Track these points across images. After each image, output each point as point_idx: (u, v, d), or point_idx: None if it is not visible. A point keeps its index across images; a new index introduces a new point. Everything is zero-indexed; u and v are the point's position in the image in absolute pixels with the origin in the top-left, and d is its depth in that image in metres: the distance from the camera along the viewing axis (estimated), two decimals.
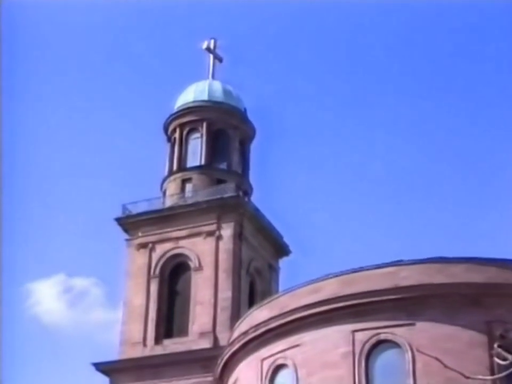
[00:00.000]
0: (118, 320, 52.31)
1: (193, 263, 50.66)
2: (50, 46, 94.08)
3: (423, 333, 34.23)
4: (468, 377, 17.17)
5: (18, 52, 66.84)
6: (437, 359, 18.27)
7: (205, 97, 57.00)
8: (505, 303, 33.90)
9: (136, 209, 53.66)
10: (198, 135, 55.99)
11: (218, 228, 50.75)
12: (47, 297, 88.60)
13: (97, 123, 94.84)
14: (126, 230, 53.44)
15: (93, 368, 49.60)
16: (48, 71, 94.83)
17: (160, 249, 51.92)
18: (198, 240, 50.89)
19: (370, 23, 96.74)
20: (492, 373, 28.24)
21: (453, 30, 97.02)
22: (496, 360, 14.55)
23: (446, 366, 17.43)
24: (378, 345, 35.32)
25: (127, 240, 53.23)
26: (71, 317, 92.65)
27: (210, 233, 50.75)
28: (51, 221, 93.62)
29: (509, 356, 13.87)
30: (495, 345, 14.04)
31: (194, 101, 56.83)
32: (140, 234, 52.66)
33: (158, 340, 49.69)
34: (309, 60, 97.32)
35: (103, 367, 49.63)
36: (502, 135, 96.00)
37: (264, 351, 38.48)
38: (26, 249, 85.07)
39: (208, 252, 50.24)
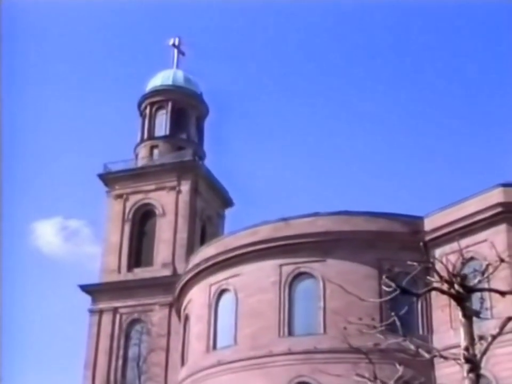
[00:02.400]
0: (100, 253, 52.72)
1: (158, 211, 50.94)
2: (47, 40, 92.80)
3: (332, 268, 35.38)
4: (363, 300, 18.34)
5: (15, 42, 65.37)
6: (341, 286, 19.26)
7: (170, 82, 56.79)
8: (392, 246, 35.06)
9: (114, 167, 53.52)
10: (164, 111, 55.82)
11: (179, 184, 50.95)
12: (47, 234, 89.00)
13: (87, 105, 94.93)
14: (106, 184, 53.31)
15: (79, 289, 50.08)
16: (45, 62, 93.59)
17: (132, 199, 51.95)
18: (163, 193, 51.09)
19: (318, 18, 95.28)
20: (380, 297, 29.91)
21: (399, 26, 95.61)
22: (384, 287, 15.84)
23: (347, 292, 18.52)
24: (299, 276, 36.39)
25: (107, 192, 53.12)
26: (66, 249, 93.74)
27: (172, 188, 51.00)
28: (52, 176, 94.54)
29: (392, 284, 15.13)
30: (383, 277, 15.28)
31: (161, 85, 56.61)
32: (117, 187, 52.57)
33: (129, 268, 50.00)
34: (253, 55, 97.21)
35: (87, 288, 49.93)
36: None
37: (212, 279, 39.20)
38: (31, 197, 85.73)
39: (170, 202, 50.51)
